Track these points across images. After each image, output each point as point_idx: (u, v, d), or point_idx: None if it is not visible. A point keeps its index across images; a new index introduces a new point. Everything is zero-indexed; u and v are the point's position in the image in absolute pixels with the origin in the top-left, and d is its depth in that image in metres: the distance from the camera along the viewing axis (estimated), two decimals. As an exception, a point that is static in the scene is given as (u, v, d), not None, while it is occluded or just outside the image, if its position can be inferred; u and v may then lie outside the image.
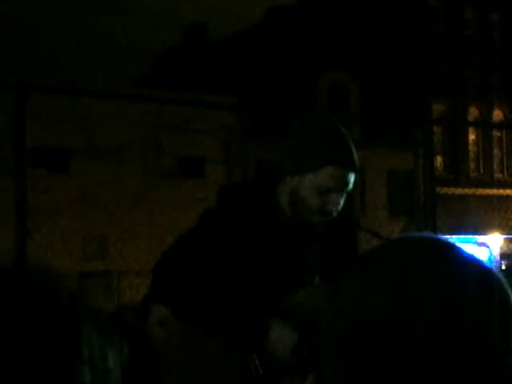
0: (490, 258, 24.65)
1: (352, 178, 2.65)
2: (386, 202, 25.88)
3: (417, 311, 0.97)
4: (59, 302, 1.19)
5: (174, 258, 2.63)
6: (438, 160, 27.99)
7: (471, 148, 29.48)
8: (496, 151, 29.95)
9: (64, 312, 1.19)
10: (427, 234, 1.09)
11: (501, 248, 25.85)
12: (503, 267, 19.95)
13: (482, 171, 29.50)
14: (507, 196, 27.07)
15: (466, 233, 23.99)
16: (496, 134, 29.49)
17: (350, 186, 2.66)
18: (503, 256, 25.63)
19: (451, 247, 1.03)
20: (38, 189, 15.93)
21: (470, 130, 29.03)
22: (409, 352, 0.96)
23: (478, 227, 24.21)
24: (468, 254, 1.02)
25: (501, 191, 27.62)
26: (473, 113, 29.30)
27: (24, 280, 1.21)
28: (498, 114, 29.92)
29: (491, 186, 27.07)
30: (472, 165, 29.42)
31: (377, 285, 1.01)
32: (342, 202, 2.66)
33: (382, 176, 25.28)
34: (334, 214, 2.65)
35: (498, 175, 29.68)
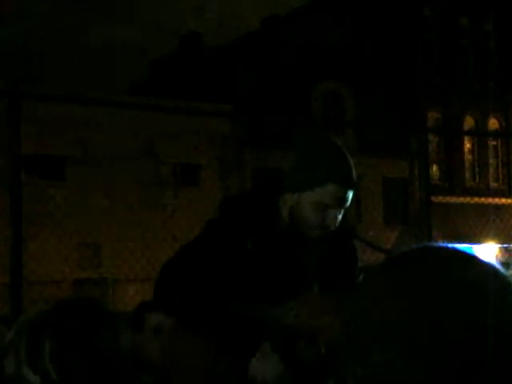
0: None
1: (350, 194, 2.72)
2: (382, 210, 25.88)
3: (445, 316, 0.99)
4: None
5: (179, 266, 2.69)
6: (434, 169, 28.01)
7: (466, 157, 29.49)
8: (491, 160, 29.95)
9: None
10: (437, 244, 1.10)
11: (496, 257, 25.85)
12: None
13: (477, 180, 29.51)
14: (502, 205, 27.09)
15: (461, 242, 24.00)
16: (491, 142, 29.52)
17: (349, 202, 2.73)
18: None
19: (471, 256, 1.05)
20: (34, 197, 15.91)
21: (466, 138, 29.02)
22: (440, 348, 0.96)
23: (473, 236, 24.21)
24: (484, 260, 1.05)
25: (496, 200, 27.60)
26: (468, 121, 29.32)
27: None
28: (493, 123, 29.95)
29: (486, 195, 27.06)
30: (467, 174, 29.43)
31: (402, 290, 1.01)
32: (340, 217, 2.73)
33: (378, 184, 25.28)
34: (332, 228, 2.72)
35: (493, 184, 29.69)
